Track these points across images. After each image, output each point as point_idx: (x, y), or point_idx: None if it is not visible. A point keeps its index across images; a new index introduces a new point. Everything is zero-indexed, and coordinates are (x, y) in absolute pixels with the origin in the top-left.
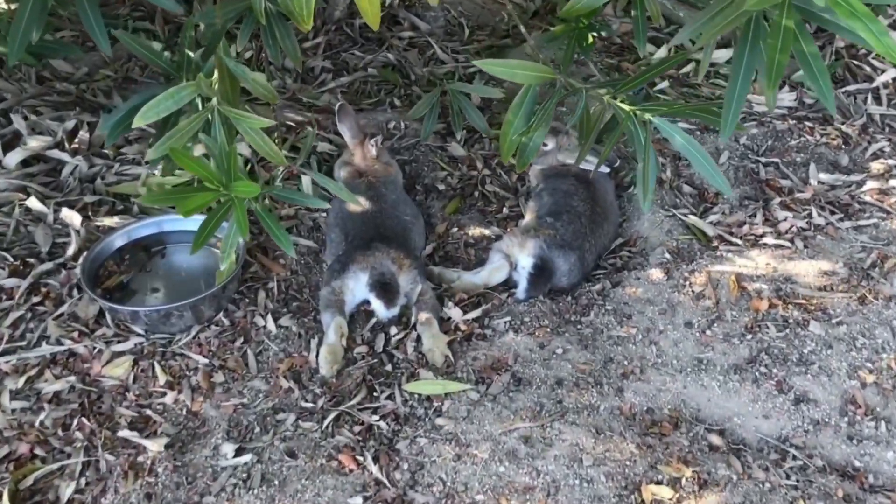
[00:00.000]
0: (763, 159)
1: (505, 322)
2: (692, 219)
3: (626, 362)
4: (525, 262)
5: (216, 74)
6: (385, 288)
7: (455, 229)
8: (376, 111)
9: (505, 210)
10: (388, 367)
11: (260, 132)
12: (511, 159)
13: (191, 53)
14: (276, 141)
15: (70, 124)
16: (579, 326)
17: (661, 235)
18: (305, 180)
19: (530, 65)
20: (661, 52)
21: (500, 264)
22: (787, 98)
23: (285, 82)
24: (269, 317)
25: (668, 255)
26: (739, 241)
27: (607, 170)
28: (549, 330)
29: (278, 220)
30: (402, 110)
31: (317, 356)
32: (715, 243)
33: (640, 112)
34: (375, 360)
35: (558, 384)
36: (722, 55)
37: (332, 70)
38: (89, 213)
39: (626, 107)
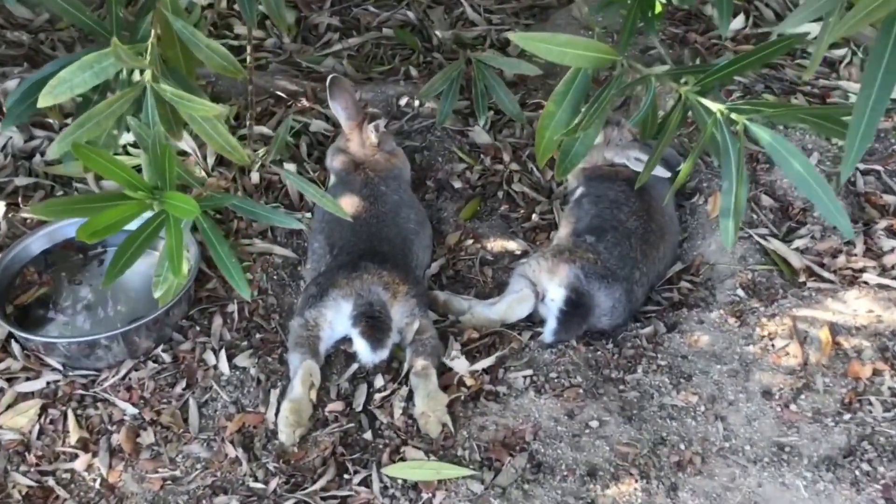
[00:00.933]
0: (861, 166)
1: (525, 377)
2: (773, 243)
3: (682, 446)
4: (555, 293)
5: (152, 38)
6: (373, 323)
7: (470, 241)
8: (386, 82)
9: (535, 217)
10: (367, 436)
11: (212, 121)
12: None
13: (121, 9)
14: (256, 113)
15: (12, 84)
16: (622, 388)
17: (733, 262)
18: (290, 182)
19: (582, 41)
20: (737, 23)
21: (523, 295)
22: None
23: (282, 41)
24: (223, 353)
25: (740, 292)
26: (833, 278)
27: (667, 174)
28: (581, 391)
29: (231, 248)
30: (419, 82)
31: (276, 414)
32: (802, 277)
33: (731, 114)
34: (352, 425)
35: (590, 475)
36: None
37: (339, 28)
38: (18, 201)
39: (710, 104)
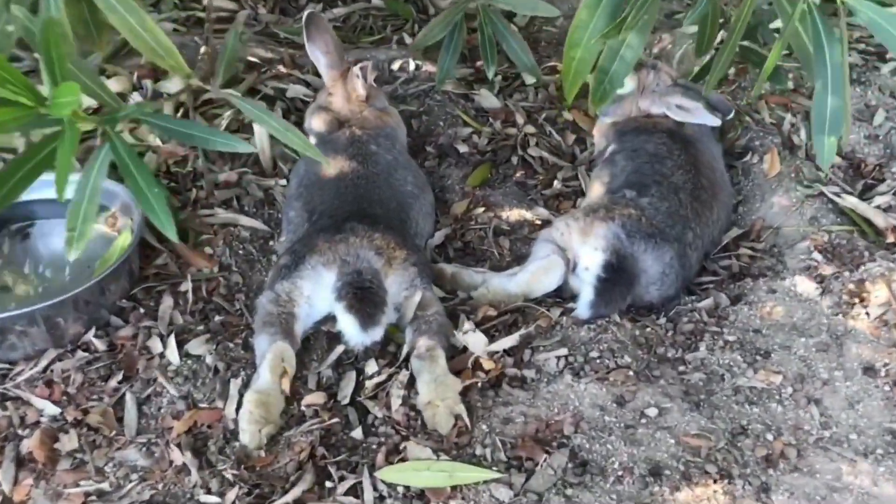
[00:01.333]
0: None
1: (558, 358)
2: (849, 200)
3: (769, 436)
4: (591, 259)
5: None
6: (362, 295)
7: (481, 209)
8: (376, 48)
9: (557, 185)
10: (357, 434)
11: (134, 8)
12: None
13: None
14: (225, 81)
15: None
16: (683, 369)
17: (802, 224)
18: (258, 129)
19: None
20: None
21: (550, 262)
22: None
23: (257, 12)
24: (172, 339)
25: (817, 256)
26: None
27: (716, 121)
28: (631, 373)
29: (152, 172)
30: (413, 48)
31: (237, 410)
32: (891, 238)
33: None
34: (336, 420)
35: (654, 474)
36: None
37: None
38: None
39: None
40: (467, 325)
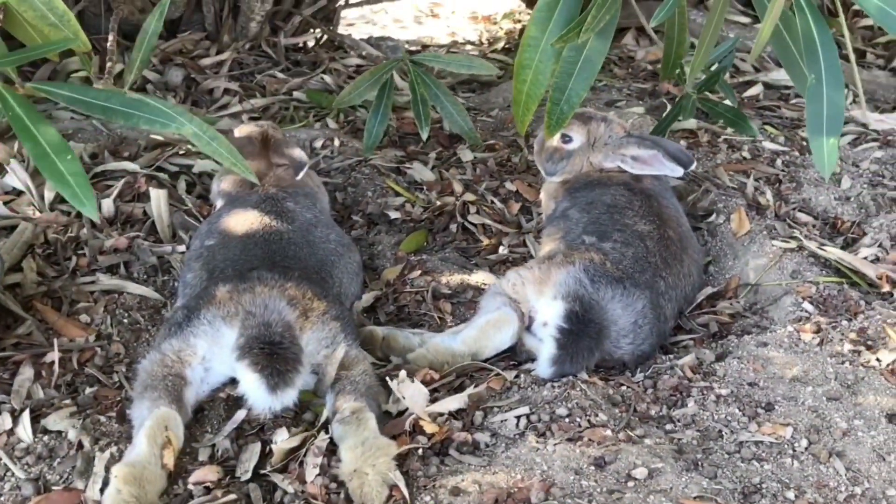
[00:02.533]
0: None
1: (518, 418)
2: (834, 252)
3: (790, 495)
4: (550, 311)
5: None
6: (270, 350)
7: (417, 273)
8: (298, 129)
9: (503, 250)
10: None
11: None
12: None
13: None
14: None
15: None
16: (671, 427)
17: (783, 278)
18: (154, 194)
19: None
20: None
21: (501, 316)
22: None
23: (165, 99)
24: (26, 414)
25: (808, 307)
26: None
27: (678, 171)
28: (609, 433)
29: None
30: (338, 130)
31: (102, 490)
32: (886, 287)
33: None
34: (234, 498)
35: None
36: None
37: (236, 93)
38: None
39: None
40: (403, 374)
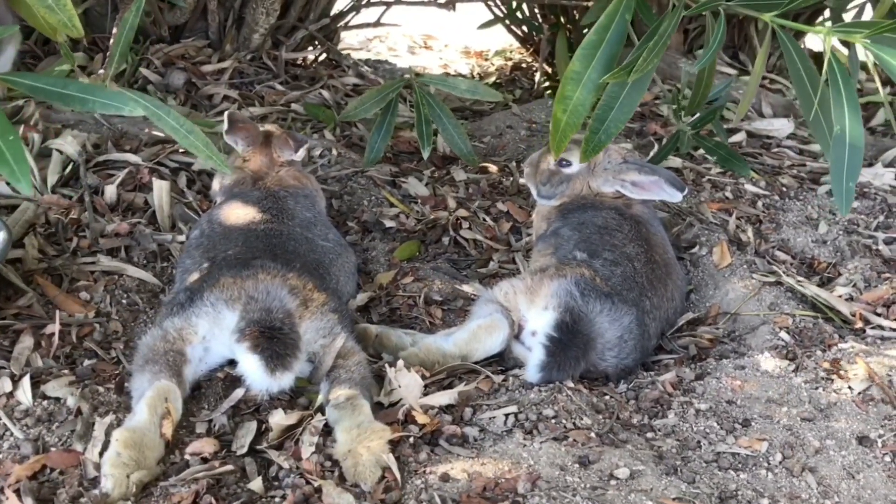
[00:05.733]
0: (881, 234)
1: (507, 416)
2: (811, 288)
3: (763, 501)
4: (540, 321)
5: None
6: (270, 334)
7: (410, 279)
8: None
9: (493, 265)
10: (255, 485)
11: None
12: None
13: None
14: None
15: None
16: (651, 435)
17: (762, 309)
18: (157, 185)
19: None
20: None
21: (493, 321)
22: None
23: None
24: (26, 380)
25: (785, 336)
26: None
27: (677, 196)
28: (593, 435)
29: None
30: (335, 142)
31: (101, 453)
32: (859, 324)
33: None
34: (229, 468)
35: None
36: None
37: (236, 100)
38: None
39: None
40: (400, 364)
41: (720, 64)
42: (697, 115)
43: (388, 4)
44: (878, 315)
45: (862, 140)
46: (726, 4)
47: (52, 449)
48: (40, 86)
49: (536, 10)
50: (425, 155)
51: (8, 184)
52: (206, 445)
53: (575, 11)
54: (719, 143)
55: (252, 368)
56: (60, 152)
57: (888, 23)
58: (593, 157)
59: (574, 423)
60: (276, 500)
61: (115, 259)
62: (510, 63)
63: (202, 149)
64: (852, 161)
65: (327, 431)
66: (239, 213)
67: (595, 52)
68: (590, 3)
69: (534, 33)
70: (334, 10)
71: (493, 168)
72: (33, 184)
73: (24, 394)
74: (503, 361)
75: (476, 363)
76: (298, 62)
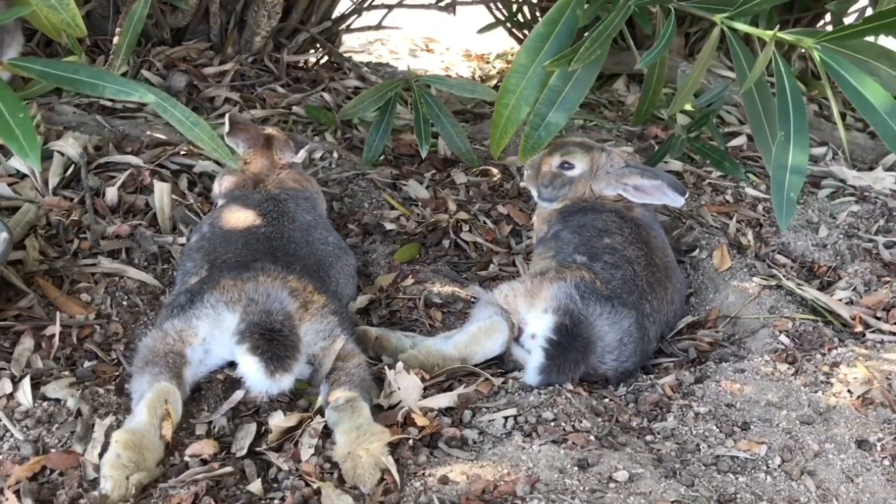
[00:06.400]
0: (881, 238)
1: (506, 419)
2: (811, 291)
3: None
4: (539, 324)
5: None
6: (271, 336)
7: (410, 281)
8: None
9: (493, 268)
10: (255, 487)
11: None
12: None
13: None
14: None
15: None
16: (651, 439)
17: (762, 313)
18: (158, 187)
19: None
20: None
21: (493, 324)
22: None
23: None
24: (26, 381)
25: (785, 339)
26: None
27: (679, 200)
28: (592, 438)
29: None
30: (336, 145)
31: (101, 454)
32: (859, 328)
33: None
34: (229, 470)
35: None
36: None
37: (237, 103)
38: None
39: (756, 31)
40: (399, 366)
41: (720, 67)
42: (693, 118)
43: (390, 7)
44: (878, 319)
45: (806, 152)
46: (678, 4)
47: (52, 450)
48: (51, 71)
49: (537, 13)
50: (423, 153)
51: (10, 184)
52: (206, 447)
53: None
54: (714, 146)
55: (252, 370)
56: (62, 154)
57: (834, 32)
58: (531, 155)
59: (573, 426)
60: (276, 501)
61: (116, 261)
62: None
63: (207, 141)
64: (794, 172)
65: (327, 433)
66: (240, 216)
67: (543, 45)
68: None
69: None
70: (336, 13)
71: (493, 171)
72: (35, 186)
73: (25, 395)
74: (503, 364)
75: (476, 366)
76: (300, 65)
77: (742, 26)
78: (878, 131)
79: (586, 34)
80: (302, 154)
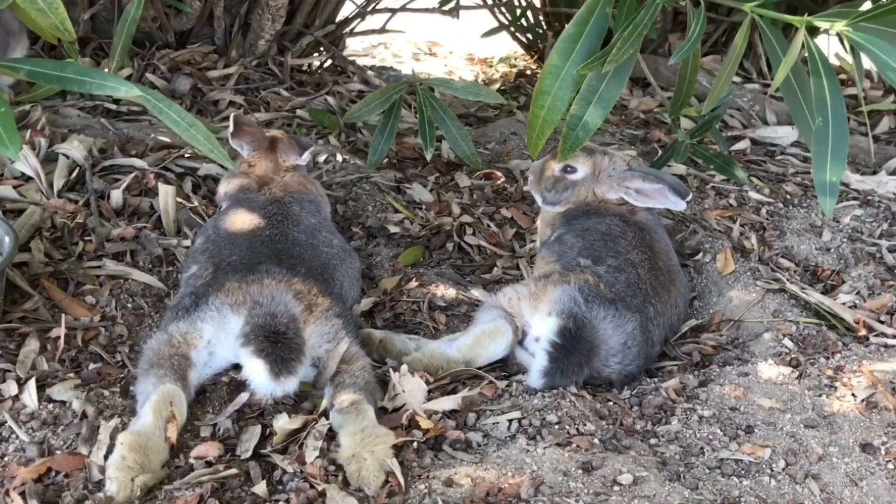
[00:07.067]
0: (885, 242)
1: (510, 421)
2: (815, 295)
3: None
4: (543, 327)
5: None
6: (275, 339)
7: (414, 284)
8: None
9: (497, 271)
10: (261, 490)
11: None
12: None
13: None
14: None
15: None
16: (655, 441)
17: (765, 316)
18: (163, 189)
19: None
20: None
21: (496, 327)
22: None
23: None
24: (31, 383)
25: (788, 343)
26: None
27: (681, 204)
28: (596, 441)
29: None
30: (340, 148)
31: (106, 456)
32: (862, 332)
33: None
34: (234, 472)
35: None
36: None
37: (241, 106)
38: None
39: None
40: (404, 368)
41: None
42: (697, 123)
43: (393, 11)
44: (882, 323)
45: (846, 133)
46: None
47: (57, 452)
48: (39, 70)
49: (541, 18)
50: (428, 156)
51: (16, 187)
52: (211, 449)
53: None
54: (716, 151)
55: (257, 373)
56: (67, 157)
57: (866, 12)
58: (570, 155)
59: (577, 429)
60: (280, 503)
61: (121, 263)
62: (514, 70)
63: (203, 142)
64: (836, 154)
65: (331, 436)
66: (244, 219)
67: (574, 46)
68: None
69: (538, 41)
70: (340, 17)
71: (497, 174)
72: (40, 189)
73: (30, 397)
74: (507, 367)
75: (480, 368)
76: (304, 68)
77: (772, 13)
78: None
79: (616, 34)
80: (306, 156)
